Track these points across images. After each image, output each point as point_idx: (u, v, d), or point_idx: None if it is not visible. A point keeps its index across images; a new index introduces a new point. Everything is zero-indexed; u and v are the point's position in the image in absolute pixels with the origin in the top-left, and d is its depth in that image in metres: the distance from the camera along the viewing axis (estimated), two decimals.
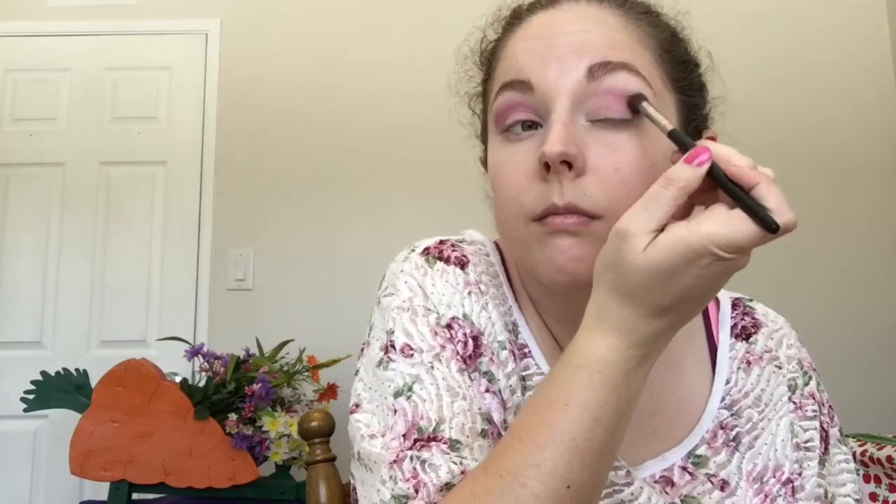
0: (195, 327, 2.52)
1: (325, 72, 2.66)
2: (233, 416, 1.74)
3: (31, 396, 1.86)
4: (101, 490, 1.89)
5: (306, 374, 1.94)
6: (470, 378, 0.57)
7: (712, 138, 0.63)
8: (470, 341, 0.59)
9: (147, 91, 2.68)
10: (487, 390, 0.58)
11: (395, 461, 0.53)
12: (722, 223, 0.43)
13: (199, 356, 1.87)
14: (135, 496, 1.82)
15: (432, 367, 0.57)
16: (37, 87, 2.69)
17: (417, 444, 0.53)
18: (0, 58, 2.70)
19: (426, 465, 0.52)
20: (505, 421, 0.58)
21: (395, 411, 0.55)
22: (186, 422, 1.75)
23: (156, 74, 2.69)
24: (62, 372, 1.90)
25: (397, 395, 0.56)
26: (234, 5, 2.73)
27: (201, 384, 1.88)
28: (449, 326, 0.59)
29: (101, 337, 2.53)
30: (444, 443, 0.53)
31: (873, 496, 1.53)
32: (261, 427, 1.75)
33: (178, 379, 1.86)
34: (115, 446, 1.75)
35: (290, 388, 1.91)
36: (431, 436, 0.53)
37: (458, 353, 0.58)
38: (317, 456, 0.90)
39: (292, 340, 2.09)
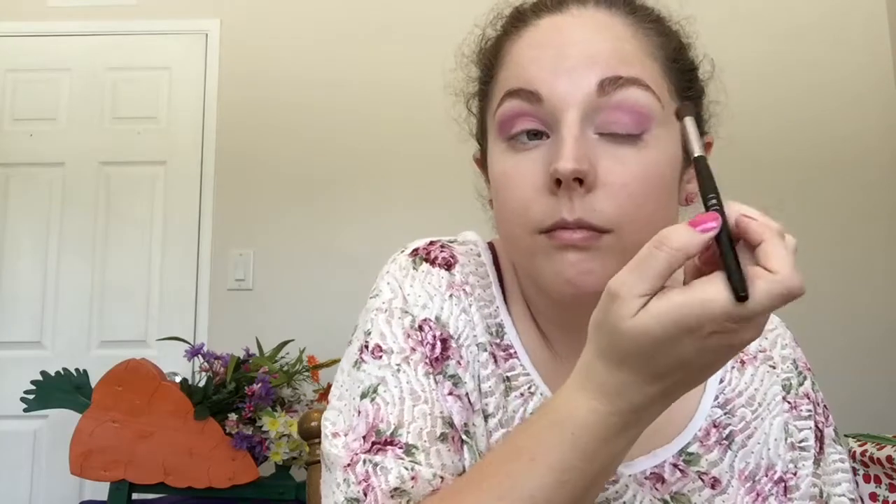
0: (195, 327, 2.52)
1: (325, 71, 2.66)
2: (233, 416, 1.74)
3: (31, 396, 1.87)
4: (101, 490, 1.89)
5: (306, 374, 1.94)
6: (435, 381, 0.57)
7: (709, 144, 0.63)
8: (438, 343, 0.59)
9: (147, 91, 2.68)
10: (451, 393, 0.58)
11: (349, 465, 0.54)
12: (721, 290, 0.39)
13: (199, 356, 1.87)
14: (135, 496, 1.82)
15: (398, 370, 0.57)
16: (37, 87, 2.69)
17: (374, 447, 0.54)
18: (0, 58, 2.70)
19: (378, 468, 0.52)
20: (467, 424, 0.57)
21: (360, 412, 0.56)
22: (186, 422, 1.75)
23: (156, 74, 2.69)
24: (62, 372, 1.90)
25: (363, 396, 0.56)
26: (234, 5, 2.73)
27: (201, 384, 1.88)
28: (420, 328, 0.59)
29: (101, 337, 2.53)
30: (400, 447, 0.53)
31: (873, 496, 1.53)
32: (261, 427, 1.75)
33: (178, 379, 1.86)
34: (115, 446, 1.75)
35: (290, 388, 1.91)
36: (388, 439, 0.54)
37: (426, 355, 0.58)
38: (317, 456, 0.90)
39: (292, 340, 2.08)
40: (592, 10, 0.58)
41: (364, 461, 0.53)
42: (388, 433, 0.54)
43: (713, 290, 0.39)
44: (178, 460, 1.74)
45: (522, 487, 0.45)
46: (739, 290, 0.38)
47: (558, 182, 0.52)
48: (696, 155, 0.45)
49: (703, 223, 0.41)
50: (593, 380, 0.44)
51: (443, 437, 0.55)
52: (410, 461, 0.53)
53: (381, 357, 0.58)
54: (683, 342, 0.40)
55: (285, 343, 2.06)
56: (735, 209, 0.42)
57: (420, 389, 0.56)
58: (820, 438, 0.65)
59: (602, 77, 0.53)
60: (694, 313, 0.39)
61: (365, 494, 0.51)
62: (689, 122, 0.47)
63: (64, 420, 2.04)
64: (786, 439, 0.63)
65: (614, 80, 0.53)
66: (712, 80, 0.63)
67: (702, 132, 0.61)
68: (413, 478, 0.52)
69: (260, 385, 1.76)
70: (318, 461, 0.90)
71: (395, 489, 0.51)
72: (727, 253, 0.40)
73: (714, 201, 0.42)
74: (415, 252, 0.64)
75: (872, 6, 2.64)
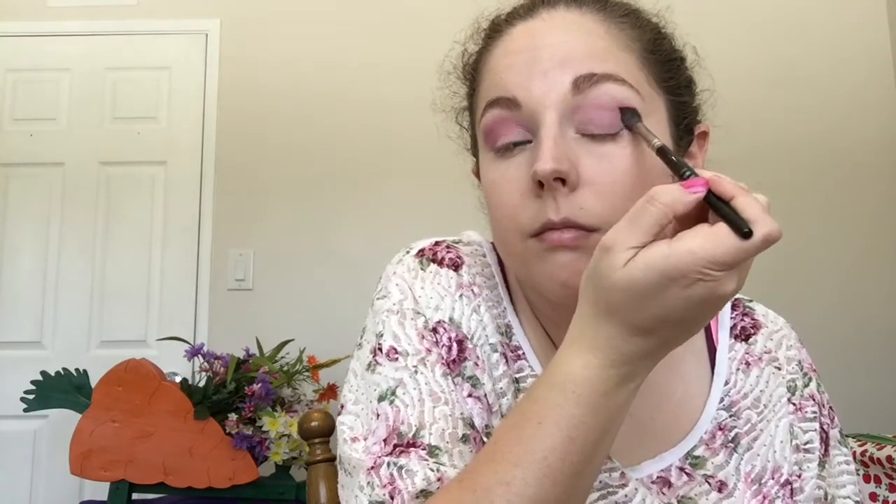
0: (195, 327, 2.52)
1: (325, 72, 2.66)
2: (233, 416, 1.74)
3: (31, 396, 1.87)
4: (101, 490, 1.89)
5: (306, 374, 1.95)
6: (453, 383, 0.57)
7: (705, 133, 0.63)
8: (454, 345, 0.59)
9: (147, 91, 2.68)
10: (470, 395, 0.58)
11: (372, 467, 0.53)
12: (704, 238, 0.42)
13: (199, 356, 1.88)
14: (135, 496, 1.82)
15: (416, 372, 0.57)
16: (37, 87, 2.69)
17: (397, 449, 0.53)
18: (0, 58, 2.70)
19: (403, 471, 0.52)
20: (488, 426, 0.57)
21: (378, 416, 0.56)
22: (186, 422, 1.76)
23: (156, 74, 2.69)
24: (62, 372, 1.90)
25: (381, 399, 0.56)
26: (234, 5, 2.73)
27: (201, 384, 1.88)
28: (435, 330, 0.59)
29: (101, 337, 2.53)
30: (423, 449, 0.53)
31: (873, 496, 1.53)
32: (261, 427, 1.76)
33: (178, 379, 1.86)
34: (115, 446, 1.75)
35: (290, 388, 1.92)
36: (411, 441, 0.53)
37: (442, 357, 0.58)
38: (317, 456, 0.90)
39: (292, 340, 2.09)
40: (563, 12, 0.58)
41: (388, 464, 0.53)
42: (410, 435, 0.54)
43: (697, 240, 0.42)
44: (178, 460, 1.74)
45: (535, 451, 0.45)
46: (743, 227, 0.41)
47: (541, 184, 0.52)
48: (658, 145, 0.49)
49: (692, 185, 0.44)
50: (585, 335, 0.46)
51: (464, 439, 0.55)
52: (435, 462, 0.52)
53: (396, 359, 0.57)
54: (670, 291, 0.42)
55: (285, 343, 2.06)
56: (708, 174, 0.45)
57: (439, 391, 0.56)
58: (825, 440, 0.65)
59: (576, 76, 0.54)
60: (681, 261, 0.42)
61: (391, 497, 0.51)
62: (641, 126, 0.52)
63: (64, 420, 2.04)
64: (791, 441, 0.63)
65: (588, 78, 0.53)
66: (697, 68, 0.62)
67: (694, 122, 0.61)
68: (439, 479, 0.51)
69: (260, 385, 1.77)
70: (318, 461, 0.90)
71: (422, 491, 0.51)
72: (720, 204, 0.43)
73: (689, 171, 0.46)
74: (421, 252, 0.64)
75: (872, 6, 2.65)
